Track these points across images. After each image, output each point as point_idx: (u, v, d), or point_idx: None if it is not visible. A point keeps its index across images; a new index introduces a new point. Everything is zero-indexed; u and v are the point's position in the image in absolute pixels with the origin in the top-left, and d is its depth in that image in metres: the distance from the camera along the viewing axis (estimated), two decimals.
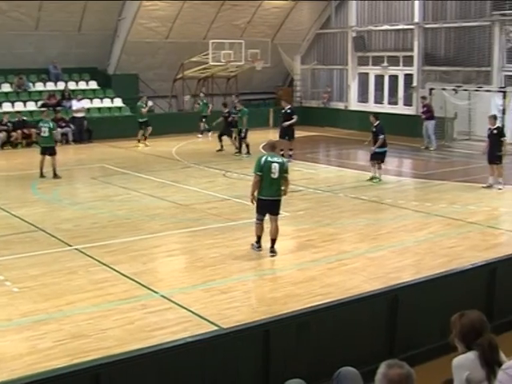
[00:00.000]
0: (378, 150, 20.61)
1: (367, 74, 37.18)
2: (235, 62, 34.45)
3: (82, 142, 30.17)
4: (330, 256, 13.11)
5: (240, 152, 26.47)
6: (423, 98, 28.95)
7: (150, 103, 30.69)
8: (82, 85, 34.15)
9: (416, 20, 33.41)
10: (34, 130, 28.28)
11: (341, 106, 38.20)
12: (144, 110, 29.48)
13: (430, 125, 28.04)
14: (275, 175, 12.92)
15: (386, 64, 35.63)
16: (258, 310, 10.25)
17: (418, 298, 8.75)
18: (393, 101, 35.76)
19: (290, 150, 24.65)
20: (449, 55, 32.34)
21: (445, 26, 32.28)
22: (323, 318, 7.98)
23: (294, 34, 38.63)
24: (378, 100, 36.66)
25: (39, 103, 31.65)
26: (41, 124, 21.77)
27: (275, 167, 12.93)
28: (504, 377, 4.32)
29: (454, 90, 29.34)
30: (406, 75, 34.62)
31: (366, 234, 14.78)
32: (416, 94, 33.11)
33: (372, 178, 20.86)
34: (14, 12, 30.10)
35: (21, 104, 31.56)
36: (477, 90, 29.04)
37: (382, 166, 20.95)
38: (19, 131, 29.36)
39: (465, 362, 5.20)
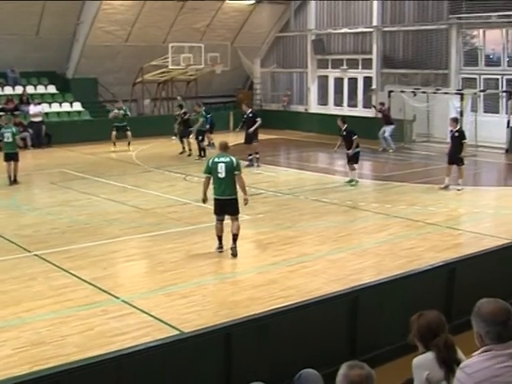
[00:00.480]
0: (351, 151, 20.64)
1: (327, 76, 37.38)
2: (195, 65, 34.40)
3: (40, 146, 29.85)
4: (290, 259, 13.13)
5: (203, 155, 26.37)
6: (382, 104, 29.06)
7: (115, 110, 30.29)
8: (41, 89, 33.79)
9: (374, 23, 33.67)
10: None
11: (301, 108, 38.36)
12: (111, 115, 29.21)
13: (388, 128, 28.22)
14: (222, 175, 13.13)
15: (345, 67, 35.84)
16: (220, 313, 10.23)
17: (379, 299, 8.80)
18: (352, 103, 36.00)
19: (256, 153, 24.52)
20: (407, 58, 32.66)
21: (403, 29, 32.60)
22: (284, 320, 7.98)
23: (254, 37, 38.69)
24: (338, 103, 36.88)
25: None
26: (3, 130, 21.30)
27: (221, 167, 13.14)
28: (462, 375, 4.37)
29: (412, 92, 29.62)
30: (365, 78, 34.91)
31: (327, 237, 14.82)
32: (375, 96, 33.36)
33: (351, 181, 20.84)
34: None
35: None
36: (435, 93, 29.36)
37: (356, 166, 20.96)
38: None
39: (424, 361, 5.24)
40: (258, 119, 24.53)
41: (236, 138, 28.58)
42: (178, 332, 9.21)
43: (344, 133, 20.81)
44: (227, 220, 13.53)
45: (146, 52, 34.04)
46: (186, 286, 11.60)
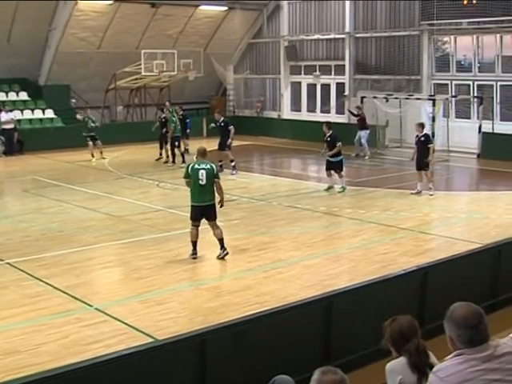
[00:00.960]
0: (334, 159, 20.46)
1: (300, 82, 37.53)
2: (168, 72, 34.38)
3: (12, 154, 29.65)
4: (265, 264, 13.15)
5: (174, 162, 26.36)
6: (358, 107, 29.15)
7: (79, 116, 30.06)
8: (12, 96, 33.52)
9: (347, 29, 33.89)
10: None
11: (274, 115, 38.48)
12: (79, 117, 29.02)
13: (363, 133, 28.32)
14: (203, 181, 13.17)
15: (318, 73, 36.00)
16: (195, 320, 10.21)
17: (353, 304, 8.82)
18: (325, 109, 36.14)
19: (232, 161, 24.23)
20: (379, 64, 32.90)
21: (375, 35, 32.86)
22: (259, 326, 7.98)
23: (227, 43, 38.73)
24: (311, 109, 37.01)
25: None
26: None
27: (202, 174, 13.17)
28: (435, 379, 4.40)
29: (385, 98, 29.78)
30: (338, 84, 35.09)
31: (301, 242, 14.86)
32: (348, 102, 33.53)
33: (329, 188, 20.75)
34: None
35: None
36: (407, 98, 29.57)
37: (343, 173, 20.77)
38: None
39: (397, 366, 5.27)
40: (231, 127, 24.24)
41: (208, 145, 28.56)
42: (152, 339, 9.17)
43: (328, 139, 20.60)
44: (202, 226, 13.52)
45: (119, 58, 33.94)
46: (161, 292, 11.57)
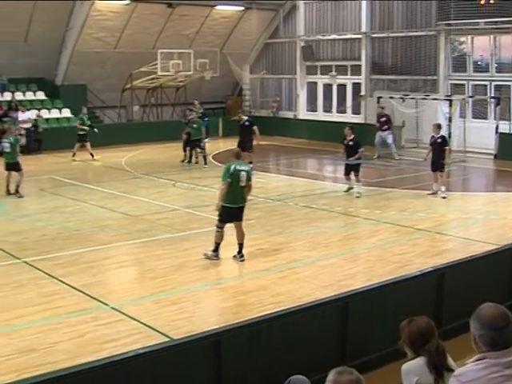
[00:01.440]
0: (354, 162, 20.07)
1: (316, 83, 37.47)
2: (184, 71, 34.40)
3: (30, 152, 29.75)
4: (281, 265, 13.14)
5: (190, 162, 26.34)
6: (382, 107, 29.02)
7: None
8: (30, 95, 33.74)
9: (363, 29, 33.79)
10: None
11: (290, 115, 38.43)
12: (79, 126, 28.58)
13: (390, 134, 28.16)
14: (243, 183, 13.15)
15: (334, 73, 35.93)
16: (209, 320, 10.23)
17: (369, 304, 8.81)
18: (341, 109, 36.08)
19: (250, 162, 24.07)
20: (396, 64, 32.79)
21: (392, 35, 32.74)
22: (274, 326, 7.98)
23: (243, 43, 38.75)
24: (327, 109, 36.96)
25: None
26: (4, 140, 20.72)
27: (243, 176, 13.14)
28: (456, 383, 4.35)
29: (401, 98, 29.69)
30: (354, 84, 35.00)
31: (317, 242, 14.84)
32: (364, 102, 33.47)
33: (349, 189, 20.42)
34: None
35: None
36: (424, 99, 29.47)
37: (360, 176, 20.46)
38: None
39: (414, 367, 5.24)
40: (255, 127, 24.04)
41: (225, 144, 28.68)
42: (167, 339, 9.18)
43: (351, 142, 20.08)
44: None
45: (136, 58, 34.02)
46: (176, 292, 11.59)
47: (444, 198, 19.43)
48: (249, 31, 38.29)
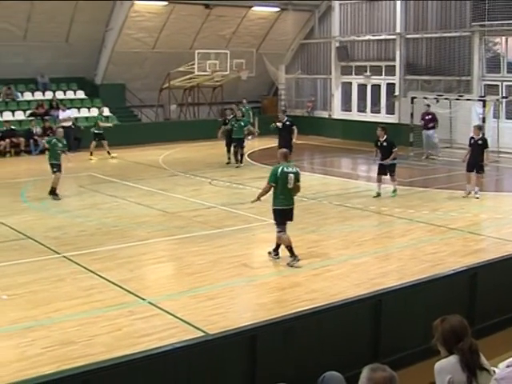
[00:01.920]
0: (391, 162, 19.87)
1: (350, 83, 37.46)
2: (221, 71, 34.64)
3: (70, 150, 30.01)
4: (314, 262, 13.27)
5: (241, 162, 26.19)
6: (427, 105, 28.91)
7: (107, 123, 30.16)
8: (70, 94, 34.30)
9: (398, 30, 33.73)
10: (22, 139, 29.52)
11: (324, 114, 38.47)
12: (101, 124, 28.83)
13: (434, 133, 28.14)
14: (291, 185, 13.12)
15: (368, 73, 35.91)
16: (244, 315, 10.39)
17: (402, 302, 8.90)
18: (375, 109, 36.06)
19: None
20: (430, 65, 32.70)
21: (426, 36, 32.64)
22: (309, 323, 8.09)
23: (279, 44, 38.86)
24: (361, 109, 36.97)
25: (27, 112, 31.89)
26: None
27: (291, 177, 13.10)
28: None
29: (435, 98, 29.62)
30: (389, 84, 34.95)
31: (351, 241, 14.95)
32: (398, 102, 33.44)
33: (378, 195, 19.93)
34: (3, 23, 30.18)
35: (9, 113, 31.82)
36: (457, 99, 29.38)
37: (395, 176, 20.19)
38: (8, 140, 29.57)
39: (447, 365, 5.29)
40: (294, 127, 24.04)
41: (260, 143, 28.82)
42: (202, 333, 9.33)
43: (384, 143, 19.86)
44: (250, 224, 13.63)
45: (173, 58, 34.36)
46: (213, 288, 11.75)
47: (477, 198, 19.38)
48: (284, 32, 38.39)
